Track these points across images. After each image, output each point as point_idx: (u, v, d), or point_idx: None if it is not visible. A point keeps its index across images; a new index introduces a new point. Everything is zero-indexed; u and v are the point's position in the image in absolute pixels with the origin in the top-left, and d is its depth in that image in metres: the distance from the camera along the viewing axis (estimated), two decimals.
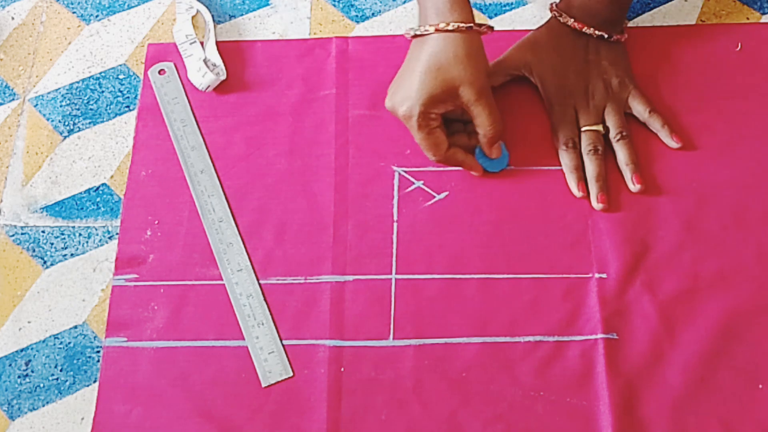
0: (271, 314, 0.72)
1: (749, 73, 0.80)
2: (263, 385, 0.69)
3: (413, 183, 0.77)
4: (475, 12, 0.85)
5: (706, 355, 0.69)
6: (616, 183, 0.75)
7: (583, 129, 0.76)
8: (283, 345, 0.71)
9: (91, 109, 0.83)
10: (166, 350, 0.71)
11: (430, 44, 0.70)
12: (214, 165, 0.79)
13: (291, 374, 0.70)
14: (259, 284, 0.73)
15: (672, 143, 0.76)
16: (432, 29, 0.70)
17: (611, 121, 0.76)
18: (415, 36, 0.72)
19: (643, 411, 0.67)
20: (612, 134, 0.76)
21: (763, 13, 0.84)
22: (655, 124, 0.77)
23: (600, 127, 0.76)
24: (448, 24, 0.69)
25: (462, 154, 0.75)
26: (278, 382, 0.70)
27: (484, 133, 0.73)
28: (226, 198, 0.77)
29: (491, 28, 0.72)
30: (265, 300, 0.73)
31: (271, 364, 0.70)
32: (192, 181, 0.78)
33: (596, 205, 0.74)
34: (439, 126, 0.72)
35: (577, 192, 0.75)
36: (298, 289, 0.73)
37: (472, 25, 0.70)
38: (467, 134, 0.76)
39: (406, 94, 0.71)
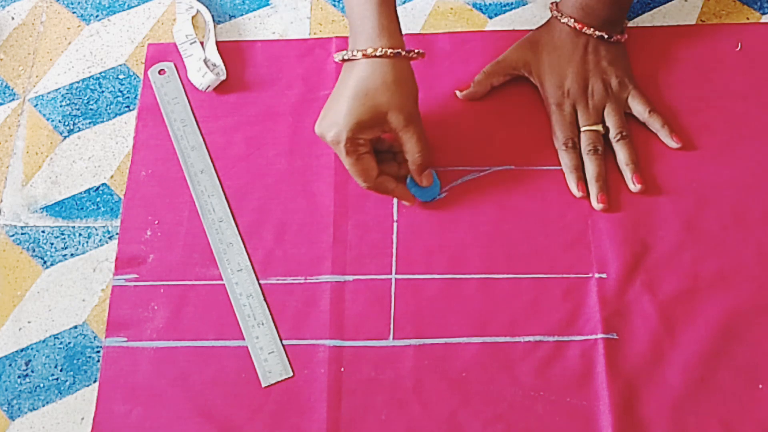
0: (271, 314, 0.72)
1: (749, 73, 0.80)
2: (263, 385, 0.69)
3: None
4: (475, 12, 0.85)
5: (706, 355, 0.69)
6: (616, 183, 0.75)
7: (582, 129, 0.76)
8: (283, 345, 0.71)
9: (91, 109, 0.83)
10: (166, 350, 0.71)
11: (359, 69, 0.69)
12: (214, 165, 0.79)
13: (291, 374, 0.70)
14: (259, 284, 0.73)
15: (672, 143, 0.76)
16: (360, 54, 0.69)
17: (611, 121, 0.76)
18: (344, 60, 0.71)
19: (643, 411, 0.67)
20: (612, 134, 0.76)
21: (763, 13, 0.84)
22: (655, 124, 0.77)
23: (600, 127, 0.76)
24: (376, 50, 0.69)
25: (392, 182, 0.73)
26: (278, 382, 0.70)
27: (413, 161, 0.72)
28: (226, 198, 0.77)
29: (421, 54, 0.72)
30: (265, 300, 0.73)
31: (271, 364, 0.70)
32: (192, 181, 0.78)
33: (596, 205, 0.74)
34: (368, 152, 0.71)
35: (576, 192, 0.75)
36: (298, 289, 0.73)
37: (400, 51, 0.69)
38: (397, 163, 0.75)
39: (334, 119, 0.70)
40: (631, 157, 0.75)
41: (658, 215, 0.74)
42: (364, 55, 0.69)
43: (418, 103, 0.72)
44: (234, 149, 0.80)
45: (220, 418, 0.69)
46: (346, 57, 0.70)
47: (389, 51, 0.69)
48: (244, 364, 0.70)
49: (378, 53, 0.69)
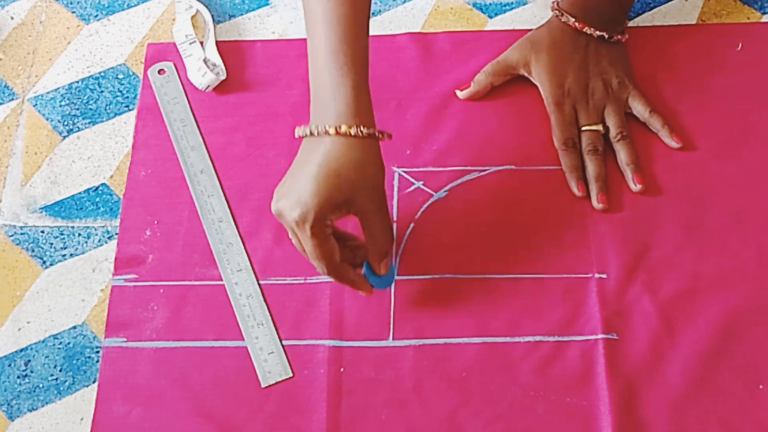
0: (270, 314, 0.72)
1: (750, 73, 0.80)
2: (263, 385, 0.69)
3: (413, 183, 0.77)
4: (475, 12, 0.85)
5: (706, 355, 0.69)
6: (617, 183, 0.75)
7: (582, 129, 0.76)
8: (282, 345, 0.71)
9: (90, 109, 0.83)
10: (166, 350, 0.71)
11: (328, 147, 0.63)
12: (213, 165, 0.79)
13: (291, 375, 0.70)
14: (259, 284, 0.73)
15: (672, 143, 0.76)
16: (332, 131, 0.63)
17: (611, 121, 0.76)
18: (309, 135, 0.65)
19: (643, 411, 0.67)
20: (612, 134, 0.76)
21: (764, 13, 0.84)
22: (656, 124, 0.77)
23: (600, 127, 0.76)
24: (350, 127, 0.63)
25: (353, 272, 0.68)
26: (278, 382, 0.69)
27: (378, 248, 0.67)
28: (226, 198, 0.77)
29: (390, 135, 0.66)
30: (264, 300, 0.73)
31: (270, 365, 0.70)
32: (192, 181, 0.78)
33: (596, 205, 0.74)
34: (332, 234, 0.66)
35: (577, 192, 0.75)
36: (298, 290, 0.73)
37: (373, 131, 0.64)
38: (349, 249, 0.69)
39: (298, 199, 0.63)
40: (631, 157, 0.75)
41: (658, 215, 0.74)
42: (336, 132, 0.63)
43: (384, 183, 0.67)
44: (234, 149, 0.80)
45: (219, 418, 0.69)
46: (312, 132, 0.64)
47: (364, 131, 0.64)
48: (244, 365, 0.70)
49: (352, 132, 0.63)
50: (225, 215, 0.76)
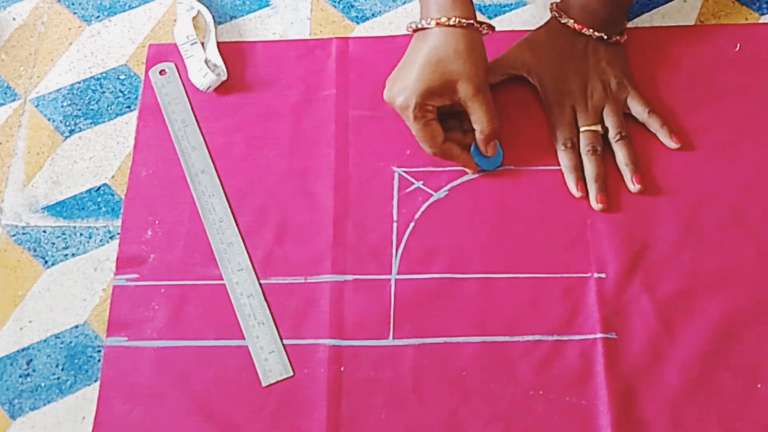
0: (271, 314, 0.72)
1: (748, 74, 0.80)
2: (263, 384, 0.70)
3: (413, 183, 0.77)
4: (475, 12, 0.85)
5: (705, 354, 0.69)
6: (616, 183, 0.76)
7: (582, 129, 0.76)
8: (283, 344, 0.71)
9: (92, 110, 0.83)
10: (167, 350, 0.72)
11: (432, 38, 0.71)
12: (214, 165, 0.79)
13: (291, 374, 0.70)
14: (260, 284, 0.73)
15: (671, 144, 0.76)
16: (433, 23, 0.70)
17: (610, 121, 0.76)
18: (417, 30, 0.72)
19: (642, 410, 0.67)
20: (611, 134, 0.76)
21: (762, 14, 0.84)
22: (654, 125, 0.77)
23: (599, 128, 0.76)
24: (449, 18, 0.70)
25: (458, 149, 0.75)
26: (278, 381, 0.70)
27: (481, 130, 0.73)
28: (227, 198, 0.77)
29: (492, 28, 0.73)
30: (265, 299, 0.73)
31: (271, 364, 0.70)
32: (192, 181, 0.78)
33: (595, 205, 0.74)
34: (435, 119, 0.73)
35: (576, 192, 0.75)
36: (298, 289, 0.73)
37: (473, 21, 0.71)
38: (462, 131, 0.76)
39: (404, 84, 0.71)
40: (630, 157, 0.75)
41: (657, 215, 0.74)
42: (437, 23, 0.70)
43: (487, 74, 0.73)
44: (234, 149, 0.80)
45: (220, 417, 0.69)
46: (418, 26, 0.72)
47: (463, 21, 0.70)
48: (245, 364, 0.71)
49: (451, 22, 0.70)
50: (226, 215, 0.76)
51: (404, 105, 0.71)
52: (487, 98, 0.73)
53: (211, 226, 0.76)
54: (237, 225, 0.76)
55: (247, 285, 0.73)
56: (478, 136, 0.74)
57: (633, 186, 0.75)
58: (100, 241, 0.77)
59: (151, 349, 0.72)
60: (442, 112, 0.74)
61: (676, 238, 0.73)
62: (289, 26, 0.87)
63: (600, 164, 0.75)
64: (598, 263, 0.73)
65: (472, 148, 0.76)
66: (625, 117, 0.77)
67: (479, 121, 0.73)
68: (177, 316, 0.73)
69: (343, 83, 0.82)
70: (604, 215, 0.74)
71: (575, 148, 0.76)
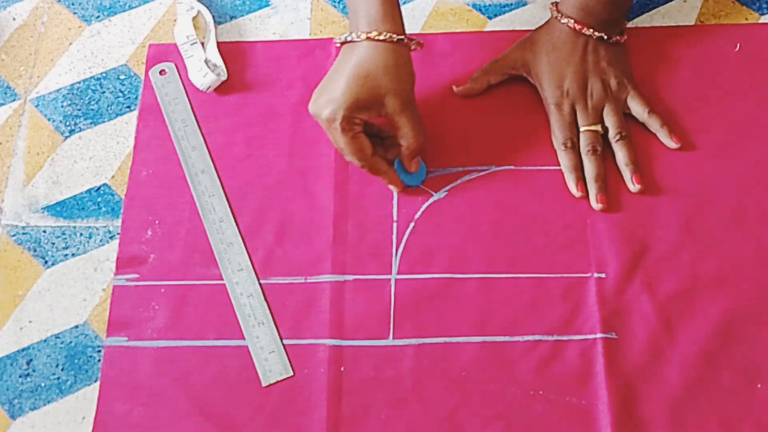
0: (271, 314, 0.72)
1: (748, 74, 0.80)
2: (263, 384, 0.70)
3: None
4: (475, 13, 0.86)
5: (705, 354, 0.69)
6: (616, 183, 0.76)
7: (582, 129, 0.76)
8: (283, 344, 0.71)
9: (92, 110, 0.83)
10: (167, 350, 0.72)
11: (360, 51, 0.70)
12: (214, 165, 0.79)
13: (291, 374, 0.70)
14: (260, 284, 0.73)
15: (671, 144, 0.77)
16: (363, 36, 0.70)
17: (610, 121, 0.76)
18: (345, 43, 0.72)
19: (642, 410, 0.67)
20: (611, 134, 0.76)
21: (762, 14, 0.84)
22: (654, 125, 0.77)
23: (599, 128, 0.76)
24: (379, 33, 0.70)
25: (385, 164, 0.74)
26: (278, 381, 0.70)
27: (408, 145, 0.73)
28: (227, 198, 0.77)
29: (421, 44, 0.74)
30: (265, 299, 0.73)
31: (271, 364, 0.70)
32: (193, 181, 0.78)
33: (595, 205, 0.74)
34: (362, 132, 0.72)
35: (576, 192, 0.75)
36: (298, 289, 0.73)
37: (403, 37, 0.71)
38: (384, 148, 0.76)
39: (331, 97, 0.70)
40: (630, 157, 0.75)
41: (657, 215, 0.74)
42: (367, 37, 0.70)
43: (415, 90, 0.73)
44: (235, 149, 0.80)
45: (220, 417, 0.69)
46: (347, 39, 0.71)
47: (393, 36, 0.70)
48: (245, 364, 0.71)
49: (381, 37, 0.70)
50: (226, 215, 0.77)
51: (331, 117, 0.70)
52: (415, 114, 0.72)
53: (211, 226, 0.76)
54: (237, 225, 0.76)
55: (247, 285, 0.73)
56: (404, 151, 0.74)
57: (633, 186, 0.75)
58: (100, 241, 0.77)
59: (151, 349, 0.72)
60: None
61: (676, 238, 0.73)
62: (289, 26, 0.87)
63: (600, 164, 0.75)
64: (598, 263, 0.73)
65: (395, 164, 0.76)
66: (625, 117, 0.77)
67: (406, 137, 0.72)
68: (177, 316, 0.73)
69: None
70: (604, 215, 0.74)
71: (575, 148, 0.76)
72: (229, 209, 0.77)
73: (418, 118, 0.73)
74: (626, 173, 0.75)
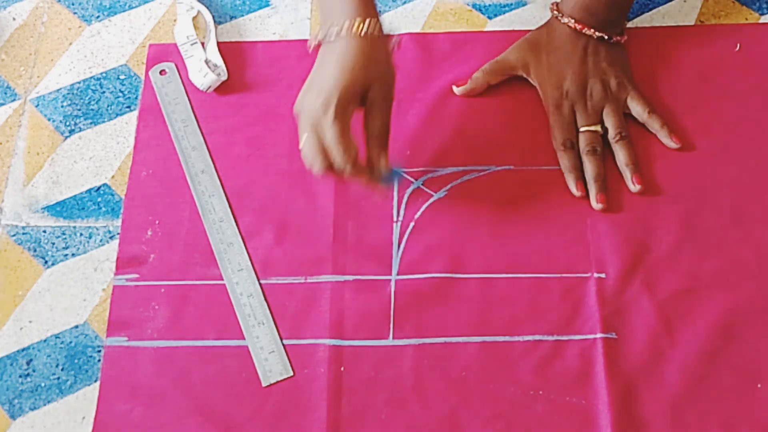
0: (271, 314, 0.72)
1: (748, 74, 0.80)
2: (263, 384, 0.70)
3: (413, 183, 0.77)
4: (475, 13, 0.86)
5: (705, 354, 0.69)
6: (616, 183, 0.76)
7: (581, 129, 0.76)
8: (283, 344, 0.71)
9: (92, 110, 0.83)
10: (167, 350, 0.72)
11: (341, 48, 0.68)
12: (214, 165, 0.79)
13: (291, 374, 0.70)
14: (260, 284, 0.73)
15: (671, 144, 0.77)
16: (344, 32, 0.68)
17: (610, 121, 0.76)
18: (320, 43, 0.70)
19: (642, 410, 0.67)
20: (611, 135, 0.76)
21: (762, 14, 0.84)
22: (654, 125, 0.77)
23: (598, 128, 0.76)
24: (360, 27, 0.68)
25: (365, 168, 0.70)
26: (278, 381, 0.70)
27: (377, 139, 0.70)
28: (227, 198, 0.77)
29: (399, 42, 0.73)
30: (265, 299, 0.73)
31: (271, 364, 0.70)
32: (193, 181, 0.78)
33: (595, 205, 0.74)
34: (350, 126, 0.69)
35: (575, 192, 0.75)
36: (298, 289, 0.73)
37: (383, 33, 0.70)
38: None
39: (321, 88, 0.68)
40: (630, 157, 0.75)
41: (657, 215, 0.74)
42: (349, 32, 0.68)
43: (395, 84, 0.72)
44: (235, 149, 0.80)
45: (220, 417, 0.69)
46: (324, 39, 0.70)
47: (374, 32, 0.69)
48: (245, 364, 0.71)
49: (362, 33, 0.68)
50: (226, 215, 0.77)
51: (325, 105, 0.67)
52: (389, 110, 0.71)
53: (211, 226, 0.76)
54: (237, 225, 0.76)
55: (247, 285, 0.73)
56: (371, 145, 0.70)
57: (633, 186, 0.75)
58: (100, 241, 0.77)
59: (151, 349, 0.72)
60: None
61: (676, 238, 0.73)
62: (289, 26, 0.87)
63: (600, 164, 0.75)
64: (598, 263, 0.73)
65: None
66: (625, 117, 0.77)
67: (375, 129, 0.70)
68: (177, 316, 0.73)
69: None
70: (604, 215, 0.74)
71: (574, 149, 0.76)
72: (229, 209, 0.77)
73: (390, 113, 0.71)
74: (626, 173, 0.75)
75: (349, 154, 0.67)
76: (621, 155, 0.76)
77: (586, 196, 0.75)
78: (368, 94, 0.69)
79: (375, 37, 0.69)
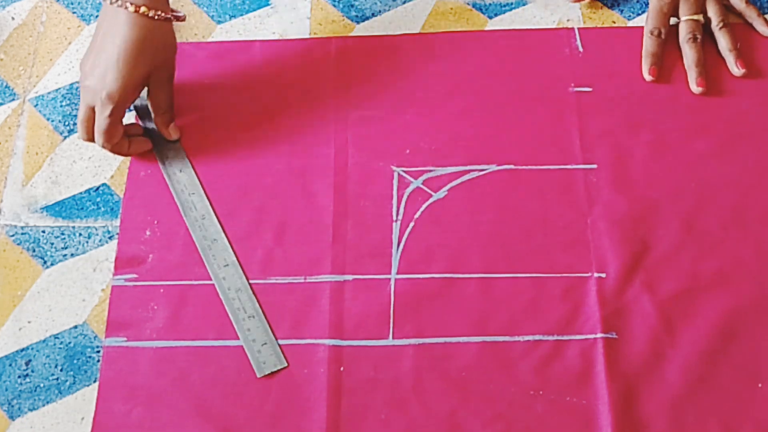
0: (261, 308, 0.72)
1: (748, 73, 0.80)
2: (258, 375, 0.69)
3: (412, 183, 0.77)
4: (475, 12, 0.86)
5: (706, 354, 0.69)
6: (616, 187, 0.76)
7: (683, 18, 0.80)
8: (275, 336, 0.71)
9: None
10: (166, 350, 0.72)
11: (129, 25, 0.72)
12: (191, 163, 0.79)
13: (285, 364, 0.70)
14: (247, 278, 0.73)
15: (766, 31, 0.81)
16: (132, 8, 0.71)
17: (713, 10, 0.81)
18: (112, 4, 0.72)
19: (642, 410, 0.67)
20: (714, 23, 0.80)
21: (763, 13, 0.84)
22: (752, 14, 0.81)
23: (700, 17, 0.80)
24: (149, 9, 0.72)
25: (127, 145, 0.77)
26: (273, 372, 0.70)
27: (164, 115, 0.78)
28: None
29: (184, 18, 0.76)
30: (254, 293, 0.73)
31: (264, 356, 0.70)
32: (171, 180, 0.78)
33: (695, 88, 0.78)
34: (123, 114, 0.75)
35: (647, 76, 0.79)
36: (298, 289, 0.73)
37: (170, 16, 0.74)
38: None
39: (103, 77, 0.72)
40: (733, 43, 0.80)
41: (657, 215, 0.74)
42: (136, 11, 0.71)
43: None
44: (234, 149, 0.80)
45: (219, 417, 0.69)
46: (114, 1, 0.72)
47: (162, 15, 0.73)
48: (244, 364, 0.70)
49: (150, 14, 0.72)
50: (207, 212, 0.76)
51: (107, 101, 0.72)
52: (171, 87, 0.78)
53: (193, 224, 0.76)
54: (219, 221, 0.76)
55: (235, 280, 0.73)
56: (160, 122, 0.78)
57: (738, 70, 0.79)
58: (99, 241, 0.77)
59: (150, 349, 0.72)
60: None
61: (677, 238, 0.73)
62: (288, 26, 0.87)
63: (700, 50, 0.79)
64: (598, 263, 0.73)
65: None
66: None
67: (161, 107, 0.77)
68: (176, 316, 0.73)
69: (342, 83, 0.82)
70: (604, 215, 0.74)
71: (661, 38, 0.80)
72: (209, 206, 0.77)
73: (172, 90, 0.78)
74: (729, 58, 0.79)
75: (110, 142, 0.75)
76: (724, 41, 0.80)
77: (656, 80, 0.79)
78: (151, 76, 0.75)
79: (160, 21, 0.73)
